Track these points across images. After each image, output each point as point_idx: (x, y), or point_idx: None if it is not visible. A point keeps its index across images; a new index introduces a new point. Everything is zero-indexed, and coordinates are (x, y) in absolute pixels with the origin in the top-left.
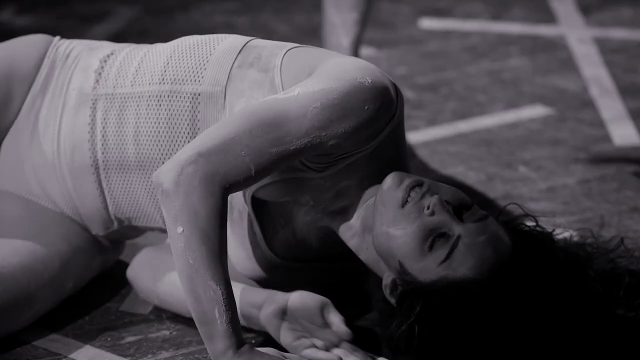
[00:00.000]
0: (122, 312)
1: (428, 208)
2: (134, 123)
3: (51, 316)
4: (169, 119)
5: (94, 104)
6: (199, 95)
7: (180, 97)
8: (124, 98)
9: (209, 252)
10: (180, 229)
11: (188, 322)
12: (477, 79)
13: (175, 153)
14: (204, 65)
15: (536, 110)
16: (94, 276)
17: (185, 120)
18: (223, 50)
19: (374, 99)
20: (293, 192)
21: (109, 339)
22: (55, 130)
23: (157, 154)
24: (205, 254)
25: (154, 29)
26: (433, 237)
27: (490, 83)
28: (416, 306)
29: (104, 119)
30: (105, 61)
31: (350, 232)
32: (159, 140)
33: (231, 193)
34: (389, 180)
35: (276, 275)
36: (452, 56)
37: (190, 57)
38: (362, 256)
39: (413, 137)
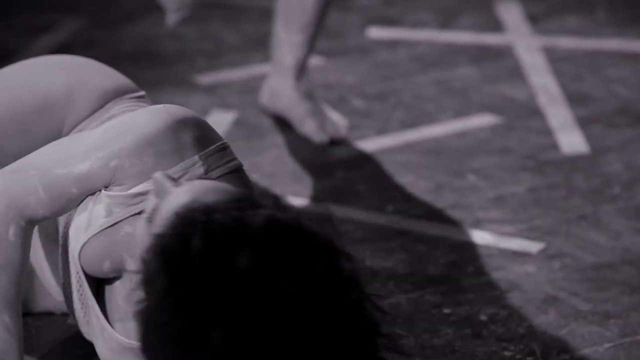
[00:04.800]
0: (70, 324)
1: None
2: None
3: None
4: None
5: None
6: None
7: None
8: None
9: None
10: None
11: None
12: (425, 88)
13: None
14: None
15: (484, 119)
16: None
17: None
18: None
19: (161, 114)
20: (115, 257)
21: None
22: None
23: None
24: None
25: (99, 40)
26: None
27: (438, 92)
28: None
29: None
30: None
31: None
32: None
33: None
34: None
35: None
36: (401, 65)
37: None
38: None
39: (362, 146)
